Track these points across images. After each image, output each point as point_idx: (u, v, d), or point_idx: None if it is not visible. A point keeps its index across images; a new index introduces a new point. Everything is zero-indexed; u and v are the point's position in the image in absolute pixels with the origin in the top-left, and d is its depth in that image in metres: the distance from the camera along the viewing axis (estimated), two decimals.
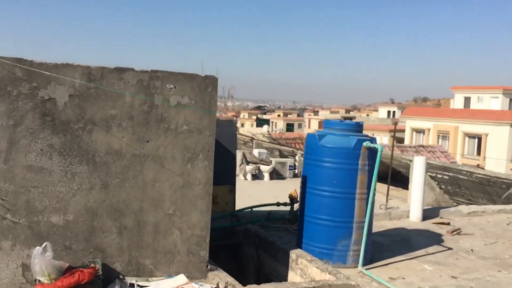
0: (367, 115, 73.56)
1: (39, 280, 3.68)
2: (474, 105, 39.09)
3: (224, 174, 7.11)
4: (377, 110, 73.21)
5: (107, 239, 4.16)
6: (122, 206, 4.19)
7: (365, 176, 5.23)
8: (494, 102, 37.72)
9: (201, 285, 4.27)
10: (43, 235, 3.90)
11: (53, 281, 3.66)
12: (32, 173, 3.87)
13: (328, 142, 5.29)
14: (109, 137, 4.10)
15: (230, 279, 4.36)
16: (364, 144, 5.18)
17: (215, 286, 4.19)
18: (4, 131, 3.75)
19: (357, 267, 5.18)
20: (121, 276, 4.18)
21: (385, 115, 61.64)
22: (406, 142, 37.01)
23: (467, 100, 40.33)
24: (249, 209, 6.86)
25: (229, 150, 7.07)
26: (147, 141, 4.24)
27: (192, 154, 4.42)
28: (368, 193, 5.23)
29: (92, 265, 3.96)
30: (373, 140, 5.35)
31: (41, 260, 3.60)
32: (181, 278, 4.33)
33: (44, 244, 3.65)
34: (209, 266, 4.56)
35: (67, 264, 3.88)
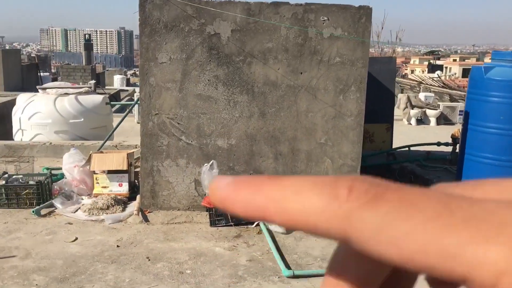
0: None
1: (208, 194, 4.26)
2: None
3: (381, 112, 7.03)
4: None
5: (265, 163, 4.57)
6: (277, 133, 4.52)
7: None
8: None
9: None
10: (211, 156, 4.46)
11: None
12: (201, 101, 4.41)
13: (496, 75, 4.83)
14: (266, 69, 4.41)
15: None
16: None
17: None
18: (178, 63, 4.32)
19: None
20: None
21: None
22: None
23: None
24: (407, 148, 6.71)
25: (387, 88, 6.92)
26: (301, 73, 4.44)
27: (344, 86, 4.49)
28: None
29: None
30: None
31: (209, 176, 4.16)
32: None
33: (211, 161, 4.19)
34: None
35: None
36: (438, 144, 6.68)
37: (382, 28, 27.23)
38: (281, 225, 0.20)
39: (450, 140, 6.62)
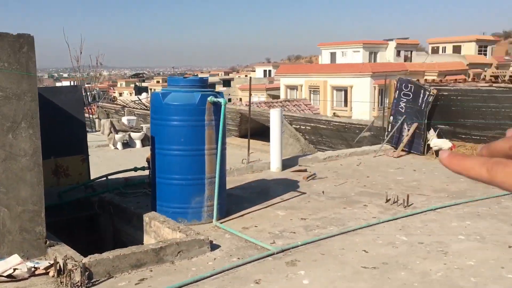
0: (246, 75, 74.68)
1: None
2: (339, 60, 41.51)
3: (74, 144, 6.67)
4: (254, 71, 74.73)
5: None
6: None
7: (213, 131, 5.20)
8: (356, 56, 40.45)
9: (37, 263, 3.96)
10: None
11: None
12: None
13: (173, 100, 5.14)
14: None
15: (71, 252, 4.09)
16: (208, 99, 5.11)
17: (53, 261, 3.90)
18: None
19: (212, 222, 5.20)
20: None
21: (262, 75, 63.18)
22: (282, 98, 38.34)
23: (333, 56, 42.65)
24: (104, 178, 6.52)
25: (76, 117, 6.59)
26: None
27: (12, 123, 3.97)
28: (217, 148, 5.22)
29: None
30: (218, 94, 5.31)
31: None
32: (14, 259, 3.96)
33: None
34: (48, 242, 4.24)
35: None
36: (135, 169, 6.74)
37: (81, 52, 26.52)
38: (470, 177, 0.55)
39: (146, 164, 6.76)
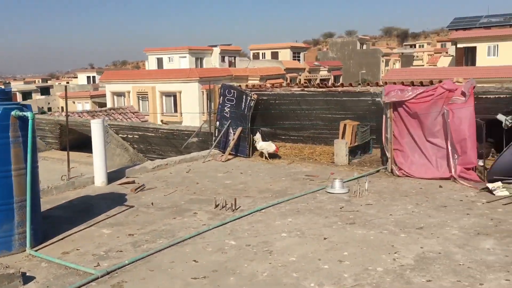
0: (67, 82, 69.74)
1: None
2: (166, 65, 41.50)
3: None
4: (76, 77, 70.25)
5: None
6: None
7: (20, 148, 4.62)
8: (183, 61, 40.93)
9: None
10: None
11: None
12: None
13: None
14: None
15: None
16: (12, 113, 4.53)
17: None
18: None
19: (26, 250, 4.62)
20: None
21: (86, 81, 59.70)
22: (109, 106, 36.70)
23: (159, 61, 42.48)
24: None
25: None
26: None
27: None
28: (27, 167, 4.65)
29: None
30: (25, 107, 4.74)
31: None
32: None
33: None
34: None
35: None
36: None
37: None
38: None
39: None
